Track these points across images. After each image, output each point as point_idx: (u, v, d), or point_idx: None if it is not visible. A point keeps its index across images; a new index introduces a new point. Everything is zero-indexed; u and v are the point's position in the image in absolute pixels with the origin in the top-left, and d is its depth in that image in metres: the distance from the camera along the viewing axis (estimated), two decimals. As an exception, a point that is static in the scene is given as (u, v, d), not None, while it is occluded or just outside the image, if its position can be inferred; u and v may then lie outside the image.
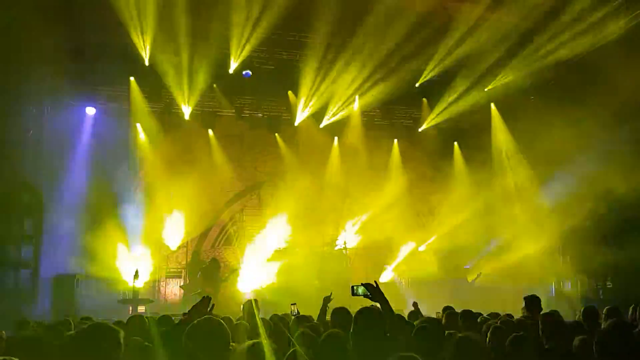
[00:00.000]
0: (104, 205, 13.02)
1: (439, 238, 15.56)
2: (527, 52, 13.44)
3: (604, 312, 5.75)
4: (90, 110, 14.01)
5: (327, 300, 6.11)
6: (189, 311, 3.72)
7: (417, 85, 15.12)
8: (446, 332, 4.04)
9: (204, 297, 3.84)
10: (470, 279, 12.91)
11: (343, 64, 14.10)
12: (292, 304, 6.53)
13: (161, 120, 14.56)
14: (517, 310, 7.30)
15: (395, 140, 16.57)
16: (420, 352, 2.82)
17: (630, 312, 6.13)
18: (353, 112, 15.75)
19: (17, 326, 5.88)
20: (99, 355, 2.72)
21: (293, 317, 5.64)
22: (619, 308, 5.83)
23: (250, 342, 3.31)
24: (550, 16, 12.44)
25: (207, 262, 14.31)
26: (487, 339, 4.32)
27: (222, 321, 3.16)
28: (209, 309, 3.74)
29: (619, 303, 6.24)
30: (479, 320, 5.68)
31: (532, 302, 5.81)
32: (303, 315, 5.85)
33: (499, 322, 5.02)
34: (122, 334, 2.81)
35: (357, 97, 15.40)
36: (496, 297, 12.39)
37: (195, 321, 3.16)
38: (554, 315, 4.88)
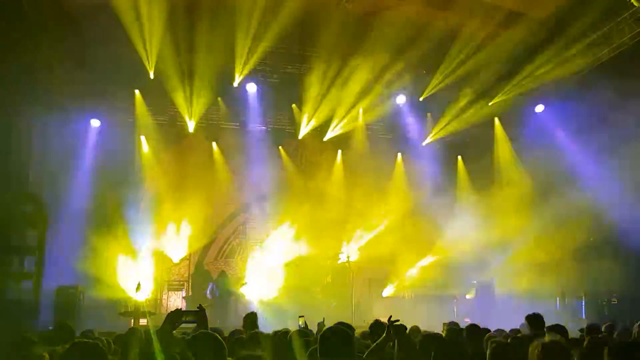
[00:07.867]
0: (108, 218, 13.05)
1: (442, 252, 15.45)
2: (530, 67, 13.47)
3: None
4: (95, 123, 14.09)
5: (321, 326, 6.04)
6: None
7: (421, 99, 15.14)
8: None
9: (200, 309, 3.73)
10: None
11: (347, 78, 14.15)
12: (300, 317, 6.49)
13: (165, 132, 14.62)
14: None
15: (399, 154, 16.57)
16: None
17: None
18: (357, 125, 15.77)
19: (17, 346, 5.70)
20: None
21: (294, 331, 5.59)
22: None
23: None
24: (554, 32, 12.50)
25: (210, 274, 14.31)
26: (488, 356, 4.25)
27: (217, 335, 3.13)
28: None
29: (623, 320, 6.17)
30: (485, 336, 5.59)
31: (535, 320, 5.71)
32: (304, 330, 5.80)
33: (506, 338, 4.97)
34: (107, 354, 2.74)
35: (361, 110, 15.43)
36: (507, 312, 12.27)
37: (193, 335, 3.12)
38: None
